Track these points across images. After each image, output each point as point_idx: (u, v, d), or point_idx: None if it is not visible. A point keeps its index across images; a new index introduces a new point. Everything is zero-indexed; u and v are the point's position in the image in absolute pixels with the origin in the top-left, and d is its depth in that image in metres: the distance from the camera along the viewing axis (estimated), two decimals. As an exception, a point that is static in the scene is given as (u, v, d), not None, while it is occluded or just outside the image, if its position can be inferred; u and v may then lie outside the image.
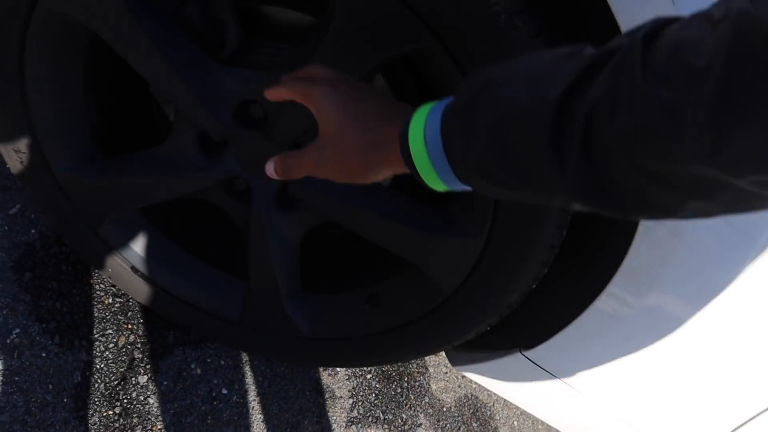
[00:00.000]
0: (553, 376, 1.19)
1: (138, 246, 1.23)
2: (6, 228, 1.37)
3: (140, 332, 1.34)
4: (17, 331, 1.25)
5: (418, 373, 1.79)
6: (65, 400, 1.20)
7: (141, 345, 1.33)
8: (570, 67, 0.48)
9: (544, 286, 1.07)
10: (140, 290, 1.27)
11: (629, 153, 0.44)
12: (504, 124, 0.51)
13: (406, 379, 1.74)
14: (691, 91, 0.39)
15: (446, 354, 1.41)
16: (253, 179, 1.03)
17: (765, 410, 1.11)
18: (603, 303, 0.97)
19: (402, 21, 0.74)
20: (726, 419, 1.18)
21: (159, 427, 1.26)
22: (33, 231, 1.38)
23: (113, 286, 1.36)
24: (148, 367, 1.31)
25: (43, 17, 0.90)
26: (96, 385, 1.24)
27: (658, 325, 0.99)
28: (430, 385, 1.79)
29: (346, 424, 1.53)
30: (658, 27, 0.43)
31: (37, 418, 1.15)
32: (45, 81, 1.00)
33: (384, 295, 1.12)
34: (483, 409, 1.90)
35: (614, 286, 0.94)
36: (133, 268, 1.24)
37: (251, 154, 0.99)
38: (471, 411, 1.86)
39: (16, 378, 1.20)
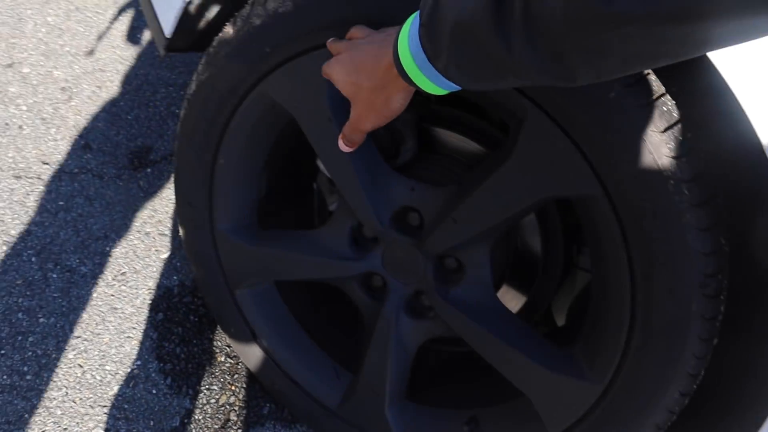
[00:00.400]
0: None
1: (263, 315, 1.31)
2: (155, 269, 1.50)
3: (240, 396, 1.39)
4: (138, 363, 1.34)
5: None
6: (161, 440, 1.26)
7: (238, 408, 1.38)
8: None
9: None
10: (252, 357, 1.33)
11: (568, 27, 0.49)
12: (457, 27, 0.58)
13: None
14: None
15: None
16: (391, 280, 1.09)
17: None
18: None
19: (576, 169, 0.80)
20: None
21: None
22: (175, 277, 1.51)
23: (229, 346, 1.44)
24: (239, 431, 1.35)
25: (255, 98, 1.05)
26: (190, 435, 1.29)
27: None
28: None
29: None
30: None
31: (134, 450, 1.21)
32: (235, 151, 1.13)
33: (485, 421, 1.12)
34: None
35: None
36: (253, 333, 1.31)
37: (397, 257, 1.06)
38: None
39: (126, 406, 1.27)
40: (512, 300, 1.18)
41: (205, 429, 1.32)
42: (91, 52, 2.03)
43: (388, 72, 0.72)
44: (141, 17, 2.19)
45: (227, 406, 1.37)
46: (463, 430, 1.13)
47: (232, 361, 1.43)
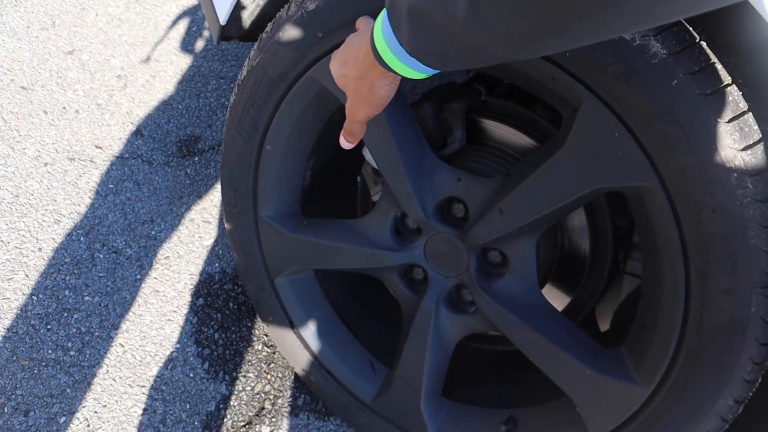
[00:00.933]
0: None
1: (302, 304, 1.30)
2: (197, 255, 1.52)
3: (276, 385, 1.39)
4: (177, 346, 1.35)
5: None
6: (196, 423, 1.26)
7: (273, 397, 1.37)
8: None
9: None
10: (289, 347, 1.33)
11: None
12: (411, 5, 0.58)
13: None
14: None
15: None
16: (433, 272, 1.08)
17: None
18: None
19: (631, 160, 0.77)
20: None
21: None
22: (216, 264, 1.52)
23: (266, 335, 1.44)
24: (273, 420, 1.34)
25: (305, 84, 1.04)
26: (225, 420, 1.30)
27: None
28: None
29: None
30: None
31: (169, 430, 1.22)
32: (283, 138, 1.13)
33: (523, 421, 1.09)
34: None
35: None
36: (291, 323, 1.31)
37: (439, 248, 1.04)
38: None
39: (163, 387, 1.28)
40: (556, 299, 1.15)
41: (240, 415, 1.32)
42: (147, 43, 2.07)
43: (367, 59, 0.73)
44: (196, 11, 2.23)
45: (262, 395, 1.37)
46: (501, 430, 1.10)
47: (269, 350, 1.43)
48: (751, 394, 0.82)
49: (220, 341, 1.39)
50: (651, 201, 0.79)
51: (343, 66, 0.79)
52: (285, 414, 1.37)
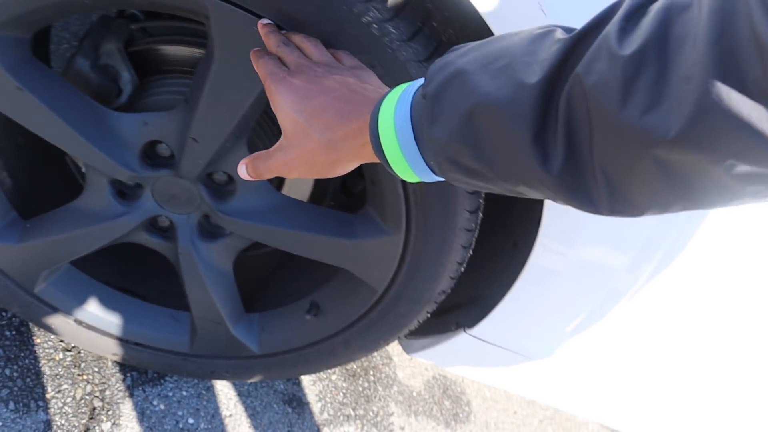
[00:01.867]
0: (499, 347, 1.25)
1: (76, 299, 1.23)
2: (-61, 304, 1.35)
3: (96, 381, 1.34)
4: (-30, 404, 1.24)
5: (382, 364, 1.83)
6: (31, 463, 1.20)
7: (99, 393, 1.33)
8: (546, 48, 0.46)
9: (473, 267, 1.12)
10: (87, 341, 1.27)
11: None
12: (478, 112, 0.47)
13: (371, 372, 1.78)
14: None
15: (400, 343, 1.46)
16: (174, 215, 1.05)
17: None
18: (530, 272, 1.02)
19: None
20: (670, 362, 1.26)
21: (131, 469, 1.28)
22: (-31, 301, 1.36)
23: (61, 341, 1.36)
24: (110, 413, 1.31)
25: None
26: (60, 442, 1.25)
27: (587, 280, 1.04)
28: (396, 374, 1.84)
29: (319, 428, 1.57)
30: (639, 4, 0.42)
31: (5, 486, 1.15)
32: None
33: (323, 303, 1.15)
34: (453, 387, 1.95)
35: (536, 256, 0.99)
36: (76, 321, 1.24)
37: (166, 192, 1.01)
38: (441, 390, 1.91)
39: (-23, 452, 1.19)
40: (301, 187, 1.17)
41: (73, 429, 1.27)
42: None
43: (353, 137, 0.59)
44: None
45: (87, 397, 1.32)
46: (308, 318, 1.17)
47: (72, 353, 1.36)
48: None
49: (15, 374, 1.29)
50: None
51: (306, 115, 0.61)
52: (119, 400, 1.34)
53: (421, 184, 0.87)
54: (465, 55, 0.51)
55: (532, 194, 0.50)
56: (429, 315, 1.13)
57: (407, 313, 1.08)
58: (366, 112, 0.58)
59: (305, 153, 0.63)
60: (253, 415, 1.48)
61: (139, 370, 1.39)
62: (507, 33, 0.52)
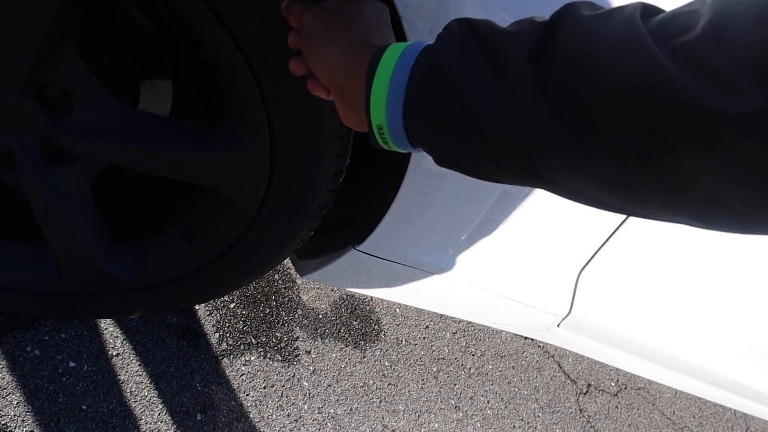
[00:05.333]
0: (394, 262, 1.20)
1: None
2: None
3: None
4: None
5: (285, 288, 1.77)
6: None
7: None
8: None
9: (354, 178, 1.05)
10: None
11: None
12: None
13: (273, 297, 1.72)
14: None
15: (294, 266, 1.39)
16: (8, 139, 0.91)
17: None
18: (412, 179, 0.96)
19: None
20: (571, 259, 1.24)
21: (5, 422, 1.18)
22: None
23: None
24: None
25: None
26: None
27: (472, 182, 0.99)
28: (300, 297, 1.78)
29: (218, 359, 1.50)
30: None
31: None
32: None
33: (197, 226, 1.06)
34: (361, 306, 1.92)
35: (416, 161, 0.93)
36: None
37: (-5, 110, 0.87)
38: (349, 311, 1.88)
39: None
40: (162, 97, 1.05)
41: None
42: None
43: (353, 81, 0.56)
44: None
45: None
46: (183, 244, 1.07)
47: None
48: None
49: None
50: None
51: (320, 74, 0.60)
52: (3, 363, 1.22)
53: (283, 89, 0.78)
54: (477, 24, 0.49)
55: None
56: (313, 233, 1.06)
57: (287, 231, 1.01)
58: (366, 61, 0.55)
59: (330, 49, 0.60)
60: (143, 352, 1.40)
61: (8, 315, 1.27)
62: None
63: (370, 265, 1.20)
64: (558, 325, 1.52)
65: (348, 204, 1.12)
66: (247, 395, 1.50)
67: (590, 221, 1.16)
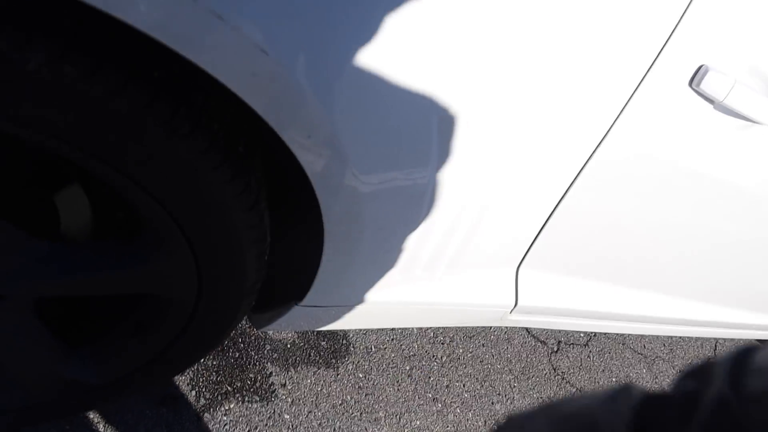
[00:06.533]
0: (338, 306, 1.28)
1: None
2: None
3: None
4: None
5: (250, 327, 1.83)
6: None
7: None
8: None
9: (278, 249, 1.12)
10: None
11: None
12: None
13: (240, 339, 1.79)
14: None
15: (249, 321, 1.46)
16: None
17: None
18: (331, 230, 1.02)
19: None
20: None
21: None
22: None
23: None
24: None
25: None
26: None
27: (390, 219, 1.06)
28: (266, 333, 1.85)
29: (199, 416, 1.57)
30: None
31: None
32: None
33: (144, 318, 1.12)
34: (327, 323, 2.00)
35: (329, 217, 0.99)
36: None
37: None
38: (315, 333, 1.95)
39: None
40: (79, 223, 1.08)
41: None
42: None
43: None
44: None
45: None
46: (135, 337, 1.13)
47: None
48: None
49: None
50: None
51: None
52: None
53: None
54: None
55: None
56: (253, 304, 1.12)
57: (228, 311, 1.07)
58: None
59: None
60: (126, 430, 1.46)
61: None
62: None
63: (318, 312, 1.28)
64: (510, 313, 1.63)
65: (281, 273, 1.19)
66: (233, 443, 1.58)
67: (518, 224, 1.24)
